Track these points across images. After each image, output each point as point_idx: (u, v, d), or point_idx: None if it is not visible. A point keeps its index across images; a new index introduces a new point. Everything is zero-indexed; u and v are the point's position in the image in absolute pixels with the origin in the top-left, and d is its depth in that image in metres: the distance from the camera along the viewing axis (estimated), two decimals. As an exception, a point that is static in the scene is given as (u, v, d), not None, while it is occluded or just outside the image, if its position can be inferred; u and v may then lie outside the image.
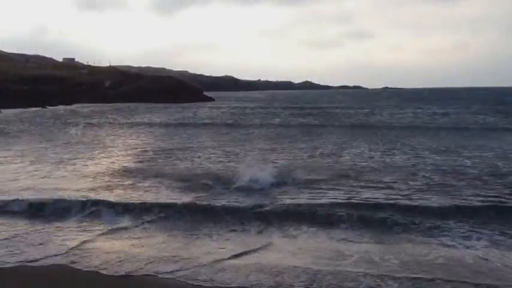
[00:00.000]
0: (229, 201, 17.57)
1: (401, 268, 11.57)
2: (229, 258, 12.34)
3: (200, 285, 10.64)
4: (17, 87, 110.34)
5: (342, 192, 18.95)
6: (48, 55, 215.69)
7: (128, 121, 64.00)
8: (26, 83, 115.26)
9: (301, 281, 10.70)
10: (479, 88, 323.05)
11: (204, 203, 17.24)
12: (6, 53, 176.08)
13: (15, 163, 27.62)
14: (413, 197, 18.07)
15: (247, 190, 19.38)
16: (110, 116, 74.41)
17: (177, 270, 11.39)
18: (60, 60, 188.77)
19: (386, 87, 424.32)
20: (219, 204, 16.98)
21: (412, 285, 10.62)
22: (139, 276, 10.99)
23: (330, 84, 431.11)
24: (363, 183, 20.66)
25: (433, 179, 21.63)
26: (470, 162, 26.08)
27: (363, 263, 11.91)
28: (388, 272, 11.25)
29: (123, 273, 11.17)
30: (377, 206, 16.69)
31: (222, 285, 10.63)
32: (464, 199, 17.65)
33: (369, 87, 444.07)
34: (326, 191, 19.11)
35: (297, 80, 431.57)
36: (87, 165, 26.56)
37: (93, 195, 18.48)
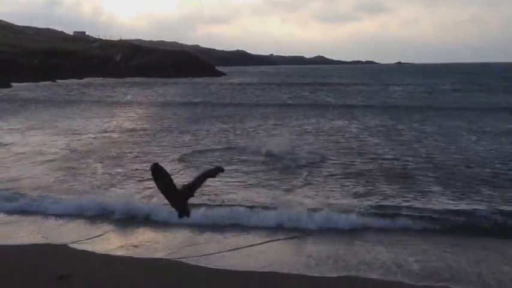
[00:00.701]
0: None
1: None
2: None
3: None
4: (28, 61, 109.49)
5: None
6: (59, 28, 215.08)
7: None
8: (36, 57, 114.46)
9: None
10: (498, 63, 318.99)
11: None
12: (16, 26, 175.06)
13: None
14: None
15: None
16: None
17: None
18: (71, 33, 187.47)
19: (400, 62, 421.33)
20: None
21: None
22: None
23: (342, 59, 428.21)
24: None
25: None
26: None
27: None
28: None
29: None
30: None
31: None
32: None
33: (382, 62, 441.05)
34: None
35: (309, 55, 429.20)
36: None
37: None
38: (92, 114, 41.42)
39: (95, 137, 28.18)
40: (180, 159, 21.39)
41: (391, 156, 21.70)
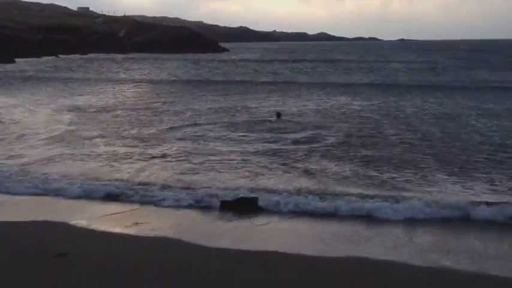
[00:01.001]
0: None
1: None
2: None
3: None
4: (31, 37, 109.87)
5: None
6: (62, 4, 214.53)
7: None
8: (40, 33, 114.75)
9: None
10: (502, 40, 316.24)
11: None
12: (21, 1, 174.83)
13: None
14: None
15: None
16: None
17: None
18: (75, 9, 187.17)
19: (403, 39, 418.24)
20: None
21: None
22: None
23: (345, 36, 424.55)
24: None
25: None
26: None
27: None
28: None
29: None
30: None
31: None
32: None
33: (385, 38, 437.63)
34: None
35: (312, 32, 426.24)
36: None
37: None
38: (95, 90, 42.22)
39: (97, 111, 29.21)
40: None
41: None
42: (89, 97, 37.08)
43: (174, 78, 56.54)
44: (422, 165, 17.00)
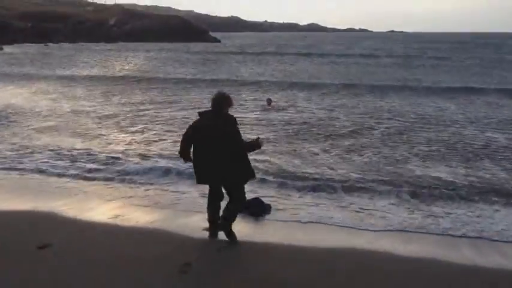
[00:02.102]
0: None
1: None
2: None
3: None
4: (21, 24, 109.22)
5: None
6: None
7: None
8: (29, 20, 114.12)
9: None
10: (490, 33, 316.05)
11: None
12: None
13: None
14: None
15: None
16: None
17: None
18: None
19: (392, 31, 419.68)
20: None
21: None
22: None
23: (336, 27, 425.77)
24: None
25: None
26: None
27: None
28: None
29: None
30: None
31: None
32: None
33: (375, 30, 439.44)
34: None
35: (303, 22, 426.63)
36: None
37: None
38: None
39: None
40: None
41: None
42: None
43: (123, 73, 46.84)
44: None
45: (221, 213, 8.96)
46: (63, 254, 8.53)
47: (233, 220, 8.81)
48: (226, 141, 8.22)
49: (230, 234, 8.80)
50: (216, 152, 8.25)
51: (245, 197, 8.86)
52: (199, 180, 8.70)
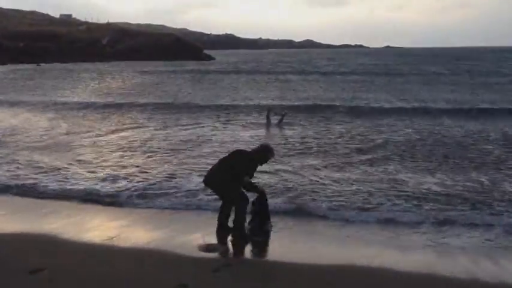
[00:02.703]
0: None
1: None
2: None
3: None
4: (12, 44, 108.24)
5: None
6: (45, 11, 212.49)
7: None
8: (21, 40, 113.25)
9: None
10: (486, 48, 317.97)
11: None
12: (1, 8, 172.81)
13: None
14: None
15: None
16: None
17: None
18: (58, 16, 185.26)
19: (388, 46, 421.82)
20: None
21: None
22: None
23: (331, 43, 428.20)
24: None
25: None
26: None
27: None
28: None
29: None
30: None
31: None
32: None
33: (371, 46, 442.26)
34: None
35: (298, 39, 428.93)
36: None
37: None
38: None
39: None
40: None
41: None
42: None
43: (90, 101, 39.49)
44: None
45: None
46: (56, 279, 8.27)
47: (241, 227, 10.40)
48: (234, 168, 10.19)
49: (243, 236, 10.38)
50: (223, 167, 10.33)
51: (244, 206, 10.30)
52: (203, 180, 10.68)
